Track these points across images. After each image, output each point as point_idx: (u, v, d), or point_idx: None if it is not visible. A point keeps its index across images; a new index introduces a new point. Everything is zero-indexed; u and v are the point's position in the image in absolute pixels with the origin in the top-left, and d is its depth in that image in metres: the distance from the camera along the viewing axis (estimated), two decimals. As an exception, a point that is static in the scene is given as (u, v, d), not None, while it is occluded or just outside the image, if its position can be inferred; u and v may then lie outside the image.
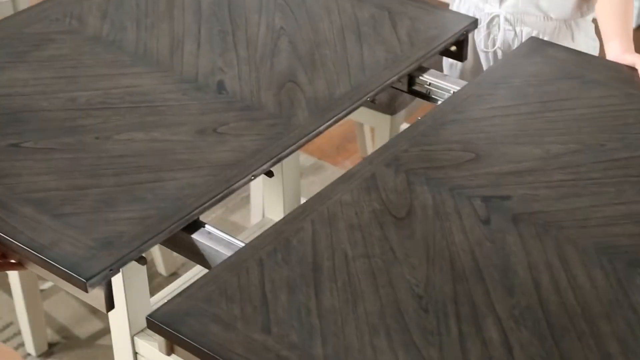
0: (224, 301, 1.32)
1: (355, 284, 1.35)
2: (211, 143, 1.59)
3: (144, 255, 1.42)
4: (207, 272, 1.38)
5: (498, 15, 2.00)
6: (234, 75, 1.74)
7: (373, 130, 2.68)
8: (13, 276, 2.27)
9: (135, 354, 1.73)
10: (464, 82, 1.78)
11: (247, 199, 2.85)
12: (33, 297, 2.30)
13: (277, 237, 1.42)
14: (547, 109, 1.67)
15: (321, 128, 1.63)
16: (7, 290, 2.50)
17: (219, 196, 1.49)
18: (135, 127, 1.62)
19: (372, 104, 1.87)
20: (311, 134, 1.61)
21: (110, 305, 1.40)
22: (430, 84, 1.80)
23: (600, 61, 1.82)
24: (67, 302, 2.52)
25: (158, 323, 1.30)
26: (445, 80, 1.79)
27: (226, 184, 1.51)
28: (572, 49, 1.85)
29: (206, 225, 1.48)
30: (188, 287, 1.35)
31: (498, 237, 1.42)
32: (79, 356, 2.39)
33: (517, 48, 1.85)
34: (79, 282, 1.35)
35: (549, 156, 1.57)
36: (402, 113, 2.35)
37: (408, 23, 1.88)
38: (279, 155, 1.57)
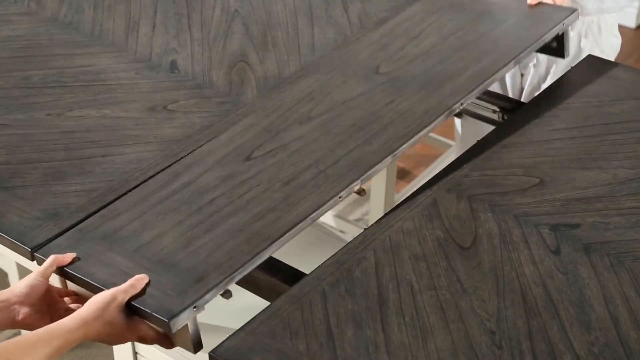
0: (289, 336, 1.26)
1: (424, 318, 1.28)
2: (161, 120, 1.63)
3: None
4: (269, 305, 1.32)
5: None
6: (186, 56, 1.78)
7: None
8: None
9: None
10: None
11: (246, 199, 2.88)
12: (33, 297, 2.32)
13: (338, 267, 1.36)
14: (612, 131, 1.60)
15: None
16: (7, 290, 2.54)
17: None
18: (87, 104, 1.66)
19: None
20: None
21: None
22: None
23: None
24: (67, 302, 2.55)
25: None
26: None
27: (173, 159, 1.54)
28: (632, 68, 1.76)
29: (152, 198, 1.52)
30: (251, 321, 1.28)
31: (570, 269, 1.35)
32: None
33: (574, 67, 1.76)
34: (25, 252, 1.38)
35: (617, 181, 1.50)
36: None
37: (359, 5, 1.92)
38: (226, 132, 1.60)
